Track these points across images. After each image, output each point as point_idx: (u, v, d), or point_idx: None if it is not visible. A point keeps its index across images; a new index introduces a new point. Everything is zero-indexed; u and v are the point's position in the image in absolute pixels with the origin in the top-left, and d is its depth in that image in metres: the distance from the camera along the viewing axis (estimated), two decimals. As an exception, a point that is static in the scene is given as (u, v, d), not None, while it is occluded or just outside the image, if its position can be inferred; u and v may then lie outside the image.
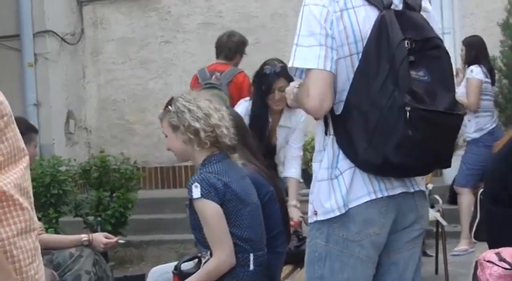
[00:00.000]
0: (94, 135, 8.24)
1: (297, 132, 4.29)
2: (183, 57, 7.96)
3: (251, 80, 4.55)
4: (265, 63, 4.22)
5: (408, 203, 2.22)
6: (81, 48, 8.18)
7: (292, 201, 4.13)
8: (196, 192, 2.70)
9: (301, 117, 4.22)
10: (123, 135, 8.13)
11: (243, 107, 4.20)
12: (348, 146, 2.12)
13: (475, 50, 5.76)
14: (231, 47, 5.22)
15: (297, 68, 2.16)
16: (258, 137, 4.05)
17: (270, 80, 4.09)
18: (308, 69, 2.12)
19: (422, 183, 2.28)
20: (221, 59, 5.24)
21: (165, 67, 8.03)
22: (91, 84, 8.25)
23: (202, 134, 2.73)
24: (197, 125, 2.73)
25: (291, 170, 4.27)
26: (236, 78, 5.05)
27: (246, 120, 4.05)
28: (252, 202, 2.87)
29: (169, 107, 2.81)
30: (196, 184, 2.71)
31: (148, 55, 8.08)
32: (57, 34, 7.69)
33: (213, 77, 5.04)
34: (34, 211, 1.36)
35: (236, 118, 3.13)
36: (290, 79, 3.94)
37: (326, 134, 2.18)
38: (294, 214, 4.01)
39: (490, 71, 5.77)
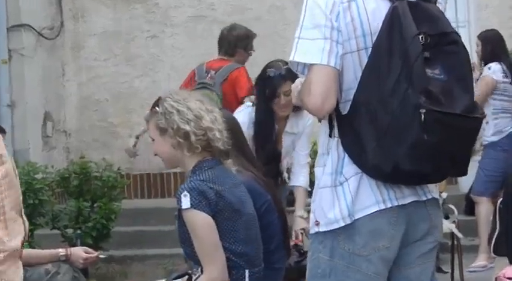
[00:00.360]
0: (74, 139, 8.21)
1: (303, 138, 4.29)
2: (171, 53, 7.94)
3: (253, 82, 4.52)
4: (268, 66, 4.20)
5: (420, 213, 2.21)
6: (60, 43, 8.15)
7: (298, 211, 4.13)
8: (186, 202, 2.68)
9: (307, 121, 4.21)
10: (106, 138, 8.10)
11: (245, 114, 4.16)
12: (354, 150, 2.11)
13: (491, 45, 5.75)
14: (230, 41, 5.20)
15: (298, 63, 2.15)
16: (263, 145, 4.06)
17: (275, 83, 4.07)
18: (311, 65, 2.12)
19: (436, 191, 2.28)
20: (222, 55, 5.24)
21: (152, 64, 8.01)
22: (71, 82, 8.23)
23: (192, 138, 2.72)
24: (187, 127, 2.72)
25: (298, 179, 4.27)
26: (231, 75, 5.04)
27: (251, 129, 4.05)
28: (247, 213, 2.86)
29: (157, 107, 2.80)
30: (185, 192, 2.70)
31: (134, 51, 8.07)
32: (33, 28, 7.67)
33: (208, 75, 5.04)
34: (13, 226, 1.29)
35: (230, 120, 3.12)
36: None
37: (330, 136, 2.17)
38: (300, 225, 4.01)
39: (510, 68, 5.76)
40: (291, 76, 3.85)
